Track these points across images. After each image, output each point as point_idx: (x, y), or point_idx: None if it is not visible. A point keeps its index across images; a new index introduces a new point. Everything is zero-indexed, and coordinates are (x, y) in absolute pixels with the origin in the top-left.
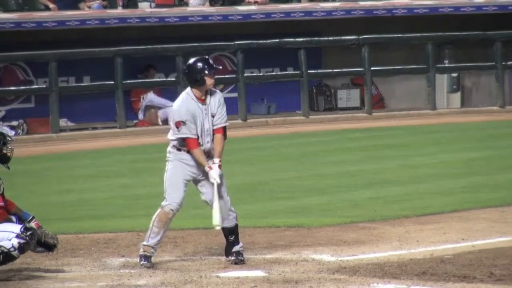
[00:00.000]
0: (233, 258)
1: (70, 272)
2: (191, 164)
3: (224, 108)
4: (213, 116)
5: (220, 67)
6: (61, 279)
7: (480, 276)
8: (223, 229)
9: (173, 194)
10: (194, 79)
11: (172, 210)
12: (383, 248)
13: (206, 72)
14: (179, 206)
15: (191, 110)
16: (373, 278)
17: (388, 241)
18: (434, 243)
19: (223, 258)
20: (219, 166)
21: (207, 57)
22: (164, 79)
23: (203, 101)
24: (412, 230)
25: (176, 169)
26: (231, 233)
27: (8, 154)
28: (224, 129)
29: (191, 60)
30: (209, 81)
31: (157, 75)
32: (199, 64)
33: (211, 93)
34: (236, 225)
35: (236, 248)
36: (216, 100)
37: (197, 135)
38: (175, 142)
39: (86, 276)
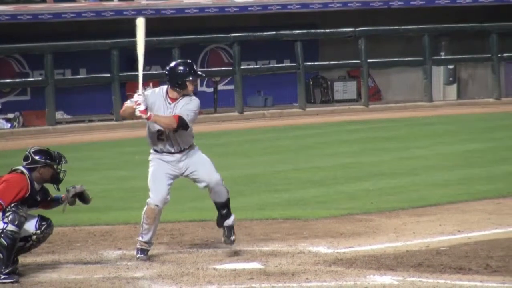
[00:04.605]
0: (223, 238)
1: (67, 264)
2: (170, 161)
3: (190, 108)
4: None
5: (204, 75)
6: (57, 271)
7: (476, 267)
8: (215, 203)
9: (155, 189)
10: (175, 83)
11: (157, 206)
12: (379, 240)
13: (190, 78)
14: (164, 200)
15: (154, 103)
16: (369, 270)
17: (385, 233)
18: (430, 235)
19: (220, 250)
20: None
21: (190, 61)
22: (160, 72)
23: (173, 100)
24: (408, 222)
25: (157, 166)
26: (222, 207)
27: (61, 175)
28: (179, 117)
29: (174, 63)
30: (190, 87)
31: (153, 67)
32: (181, 69)
33: (187, 97)
34: (228, 199)
35: (228, 223)
36: (184, 102)
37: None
38: (149, 143)
39: (82, 268)
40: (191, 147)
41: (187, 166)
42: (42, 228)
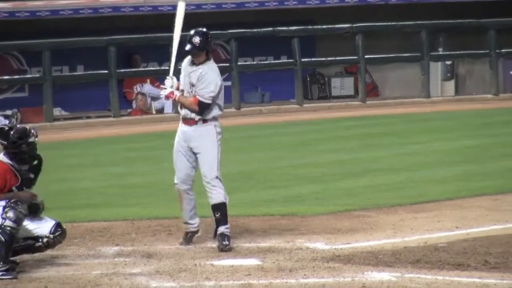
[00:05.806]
0: (217, 244)
1: (65, 260)
2: (184, 131)
3: (202, 87)
4: (192, 85)
5: (189, 50)
6: (55, 268)
7: (474, 264)
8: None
9: (175, 167)
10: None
11: (176, 184)
12: (377, 236)
13: (185, 50)
14: (182, 178)
15: (187, 65)
16: (367, 266)
17: (382, 229)
18: (428, 231)
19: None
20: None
21: (193, 32)
22: (158, 68)
23: (195, 64)
24: (406, 218)
25: (176, 141)
26: (215, 209)
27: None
28: (198, 102)
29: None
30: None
31: (150, 64)
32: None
33: (203, 66)
34: (223, 204)
35: (220, 229)
36: (198, 74)
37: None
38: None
39: (80, 264)
40: (205, 122)
41: (195, 145)
42: (56, 234)
